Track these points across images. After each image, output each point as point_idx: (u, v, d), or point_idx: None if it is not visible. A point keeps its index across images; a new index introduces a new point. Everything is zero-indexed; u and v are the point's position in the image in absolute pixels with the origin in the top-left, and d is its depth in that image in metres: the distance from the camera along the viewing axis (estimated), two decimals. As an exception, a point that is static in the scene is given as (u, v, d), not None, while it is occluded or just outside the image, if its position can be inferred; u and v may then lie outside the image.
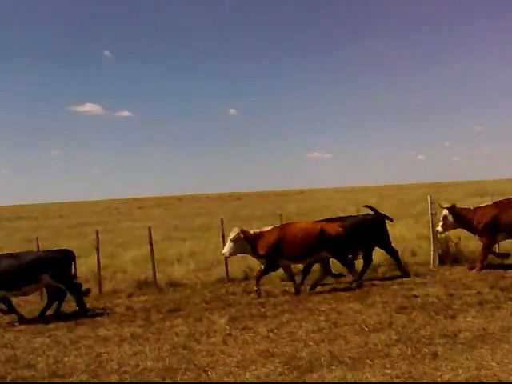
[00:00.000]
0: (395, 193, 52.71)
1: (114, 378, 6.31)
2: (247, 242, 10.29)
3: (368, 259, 11.45)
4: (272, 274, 12.18)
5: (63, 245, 11.84)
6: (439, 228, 11.81)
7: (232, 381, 5.96)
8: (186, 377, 6.18)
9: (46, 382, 6.39)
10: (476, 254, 12.51)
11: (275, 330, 7.82)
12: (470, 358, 6.04)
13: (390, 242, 11.68)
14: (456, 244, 12.70)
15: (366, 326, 7.66)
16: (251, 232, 10.43)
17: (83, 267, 13.52)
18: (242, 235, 10.23)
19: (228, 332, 7.93)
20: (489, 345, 6.49)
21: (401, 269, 11.40)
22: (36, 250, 11.32)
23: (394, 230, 18.01)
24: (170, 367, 6.51)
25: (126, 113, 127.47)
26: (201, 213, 37.27)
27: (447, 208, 11.66)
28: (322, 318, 8.33)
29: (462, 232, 13.88)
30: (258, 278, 10.45)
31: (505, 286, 9.64)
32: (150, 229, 12.31)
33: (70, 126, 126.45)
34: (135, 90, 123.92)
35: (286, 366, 6.22)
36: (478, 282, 10.20)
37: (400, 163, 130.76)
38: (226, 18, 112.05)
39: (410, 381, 5.55)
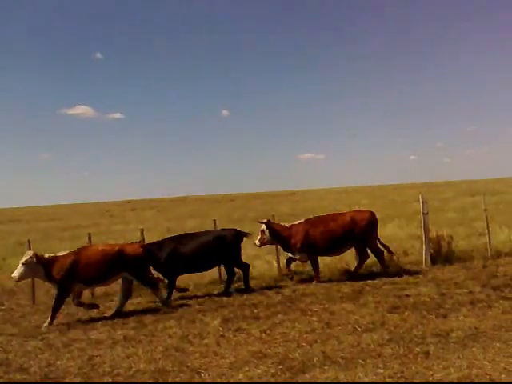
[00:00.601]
0: (388, 193, 52.86)
1: (107, 381, 6.29)
2: (41, 266, 9.57)
3: (231, 273, 11.22)
4: (266, 274, 12.24)
5: (56, 248, 11.78)
6: (256, 241, 11.73)
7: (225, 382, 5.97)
8: (178, 379, 6.17)
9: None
10: (468, 254, 12.61)
11: (268, 331, 7.82)
12: (462, 357, 6.07)
13: (240, 258, 11.42)
14: (448, 243, 12.77)
15: (359, 326, 7.68)
16: (46, 256, 9.75)
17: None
18: (34, 259, 9.50)
19: (221, 333, 7.92)
20: (480, 344, 6.53)
21: (246, 285, 11.20)
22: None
23: (386, 230, 18.15)
24: (162, 369, 6.50)
25: (117, 115, 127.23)
26: (193, 215, 37.22)
27: (264, 223, 11.68)
28: (314, 319, 8.35)
29: (454, 231, 13.98)
30: (55, 310, 9.56)
31: (496, 285, 9.70)
32: (142, 231, 12.28)
33: (62, 128, 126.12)
34: (127, 92, 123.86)
35: (278, 367, 6.23)
36: (470, 281, 10.26)
37: (392, 163, 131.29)
38: (218, 20, 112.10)
39: (403, 380, 5.57)
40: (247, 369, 6.27)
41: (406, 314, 8.21)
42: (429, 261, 12.46)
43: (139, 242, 10.83)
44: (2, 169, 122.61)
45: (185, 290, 11.09)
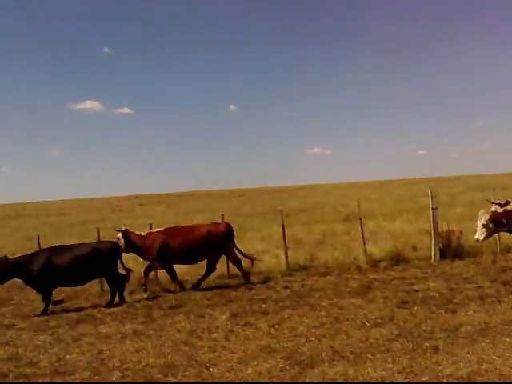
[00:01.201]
0: (396, 188, 52.73)
1: (116, 375, 6.32)
2: None
3: (113, 284, 10.72)
4: (274, 268, 12.22)
5: (65, 242, 11.86)
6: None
7: (234, 377, 5.97)
8: (187, 373, 6.18)
9: (47, 379, 6.40)
10: (477, 249, 12.54)
11: (276, 326, 7.83)
12: (472, 352, 6.05)
13: (117, 270, 10.95)
14: (457, 238, 12.73)
15: (368, 321, 7.67)
16: None
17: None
18: None
19: (229, 328, 7.94)
20: (490, 338, 6.50)
21: (120, 296, 10.66)
22: (37, 247, 11.38)
23: (395, 225, 18.13)
24: (171, 364, 6.52)
25: (126, 109, 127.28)
26: (202, 210, 37.27)
27: (120, 231, 11.40)
28: (323, 314, 8.34)
29: (463, 226, 13.91)
30: None
31: (506, 280, 9.65)
32: (151, 226, 12.31)
33: (70, 123, 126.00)
34: (135, 86, 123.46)
35: (287, 362, 6.23)
36: (479, 276, 10.22)
37: (400, 158, 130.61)
38: (226, 13, 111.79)
39: (412, 375, 5.56)
40: (256, 363, 6.28)
41: (415, 308, 8.19)
42: (438, 256, 12.42)
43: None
44: (11, 164, 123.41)
45: (60, 301, 10.60)
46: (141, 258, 11.70)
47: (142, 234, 11.61)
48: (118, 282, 10.73)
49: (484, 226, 10.65)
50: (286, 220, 13.36)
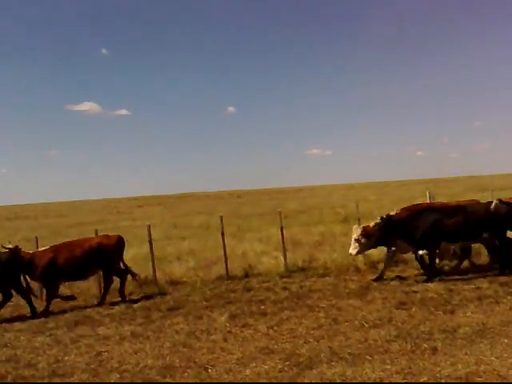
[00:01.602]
0: (395, 189, 52.76)
1: (115, 377, 6.32)
2: None
3: (7, 296, 10.44)
4: (273, 270, 12.21)
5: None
6: None
7: (232, 378, 5.98)
8: (186, 374, 6.19)
9: (46, 381, 6.41)
10: (475, 250, 12.53)
11: (275, 327, 7.83)
12: (470, 353, 6.06)
13: (21, 282, 10.66)
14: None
15: (366, 322, 7.68)
16: None
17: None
18: None
19: (228, 329, 7.94)
20: (488, 339, 6.51)
21: (30, 307, 10.37)
22: (36, 249, 11.35)
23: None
24: (170, 365, 6.52)
25: (124, 111, 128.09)
26: (200, 211, 37.30)
27: (9, 249, 10.68)
28: (321, 315, 8.35)
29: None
30: None
31: (504, 281, 9.65)
32: (149, 227, 12.31)
33: (69, 124, 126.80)
34: (133, 88, 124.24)
35: (285, 363, 6.24)
36: (477, 277, 10.21)
37: (399, 159, 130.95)
38: (226, 13, 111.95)
39: (410, 376, 5.56)
40: (254, 365, 6.29)
41: (414, 310, 8.20)
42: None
43: None
44: (9, 165, 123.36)
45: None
46: (30, 278, 10.94)
47: (30, 252, 11.00)
48: (22, 293, 10.43)
49: (356, 240, 11.15)
50: (284, 221, 13.37)
